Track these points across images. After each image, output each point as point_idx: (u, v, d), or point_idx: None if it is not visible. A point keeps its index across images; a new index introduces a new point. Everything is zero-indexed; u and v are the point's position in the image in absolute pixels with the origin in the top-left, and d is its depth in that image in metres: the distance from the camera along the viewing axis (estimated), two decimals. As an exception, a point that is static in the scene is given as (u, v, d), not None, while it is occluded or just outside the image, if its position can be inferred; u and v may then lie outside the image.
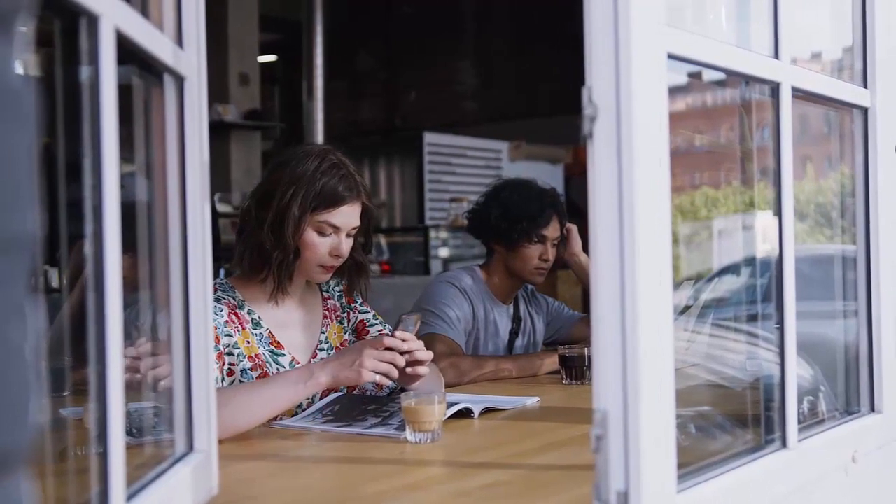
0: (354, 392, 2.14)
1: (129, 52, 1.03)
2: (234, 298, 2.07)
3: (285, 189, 2.01)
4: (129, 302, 1.02)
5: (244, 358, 2.00)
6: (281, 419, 2.01)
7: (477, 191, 3.33)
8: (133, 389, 1.35)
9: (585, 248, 2.89)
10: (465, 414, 1.96)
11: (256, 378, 1.99)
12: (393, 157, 8.61)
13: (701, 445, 1.42)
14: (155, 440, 1.32)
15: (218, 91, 6.97)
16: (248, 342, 2.03)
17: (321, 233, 2.04)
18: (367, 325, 2.25)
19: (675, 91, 1.15)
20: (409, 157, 8.33)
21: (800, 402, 1.44)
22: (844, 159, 1.74)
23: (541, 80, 8.88)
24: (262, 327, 2.07)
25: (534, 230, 2.80)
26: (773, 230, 1.41)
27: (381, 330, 2.23)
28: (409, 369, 1.94)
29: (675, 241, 1.12)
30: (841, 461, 1.54)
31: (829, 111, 1.75)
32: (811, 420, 1.56)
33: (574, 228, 2.94)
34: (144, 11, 1.13)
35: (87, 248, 0.93)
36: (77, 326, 0.99)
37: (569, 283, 5.80)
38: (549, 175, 7.54)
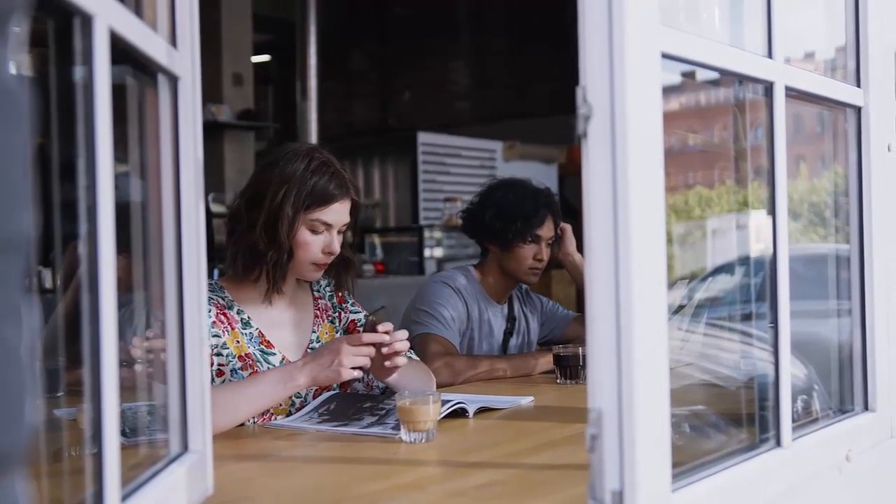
0: (347, 391, 2.15)
1: (123, 52, 1.03)
2: (222, 299, 2.07)
3: (276, 189, 2.02)
4: (123, 302, 1.02)
5: (234, 358, 2.01)
6: (276, 419, 2.01)
7: (471, 191, 3.33)
8: (146, 381, 1.35)
9: (580, 248, 2.89)
10: (459, 414, 1.96)
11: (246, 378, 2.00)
12: (387, 157, 8.61)
13: (695, 444, 1.42)
14: (149, 440, 1.32)
15: (211, 91, 6.96)
16: (238, 342, 2.03)
17: (314, 231, 2.05)
18: (359, 325, 2.25)
19: (668, 90, 1.16)
20: (404, 157, 8.32)
21: (794, 401, 1.44)
22: (838, 158, 1.74)
23: (535, 80, 8.88)
24: (251, 327, 2.07)
25: (528, 230, 2.80)
26: (767, 229, 1.41)
27: None
28: (387, 362, 1.96)
29: (669, 240, 1.12)
30: (835, 460, 1.55)
31: (823, 110, 1.76)
32: (805, 419, 1.56)
33: (568, 228, 2.94)
34: (138, 11, 1.13)
35: (81, 248, 0.93)
36: (71, 327, 0.98)
37: (563, 282, 5.81)
38: (543, 175, 7.54)
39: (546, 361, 2.66)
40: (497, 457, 1.65)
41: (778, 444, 1.39)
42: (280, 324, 2.14)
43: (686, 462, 1.21)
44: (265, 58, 9.24)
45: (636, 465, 1.04)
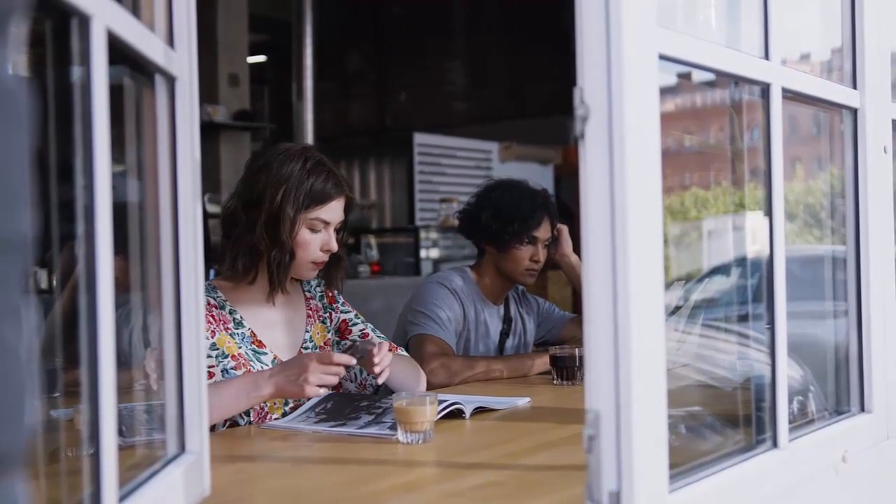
0: (340, 391, 2.15)
1: (120, 53, 1.03)
2: (214, 298, 2.08)
3: (274, 191, 2.02)
4: (120, 303, 1.02)
5: (226, 358, 2.01)
6: (273, 419, 2.01)
7: (467, 191, 3.34)
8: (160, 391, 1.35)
9: (576, 249, 2.90)
10: (456, 414, 1.97)
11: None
12: (383, 157, 8.60)
13: (692, 445, 1.42)
14: (146, 441, 1.32)
15: (207, 92, 6.95)
16: (230, 342, 2.03)
17: (313, 230, 2.08)
18: (350, 324, 2.27)
19: (665, 91, 1.16)
20: (400, 158, 8.31)
21: (790, 402, 1.45)
22: (834, 160, 1.75)
23: (531, 81, 8.88)
24: (244, 327, 2.08)
25: (525, 231, 2.80)
26: (763, 231, 1.41)
27: (364, 329, 2.27)
28: (379, 380, 2.04)
29: (665, 241, 1.13)
30: (831, 461, 1.55)
31: (819, 112, 1.76)
32: (802, 420, 1.56)
33: (565, 229, 2.94)
34: (136, 12, 1.13)
35: (78, 248, 0.93)
36: (68, 327, 0.98)
37: (559, 283, 5.81)
38: (539, 176, 7.56)
39: (542, 362, 2.66)
40: (494, 458, 1.65)
41: (774, 445, 1.40)
42: (273, 324, 2.14)
43: (683, 463, 1.21)
44: (261, 58, 9.23)
45: (633, 465, 1.04)
